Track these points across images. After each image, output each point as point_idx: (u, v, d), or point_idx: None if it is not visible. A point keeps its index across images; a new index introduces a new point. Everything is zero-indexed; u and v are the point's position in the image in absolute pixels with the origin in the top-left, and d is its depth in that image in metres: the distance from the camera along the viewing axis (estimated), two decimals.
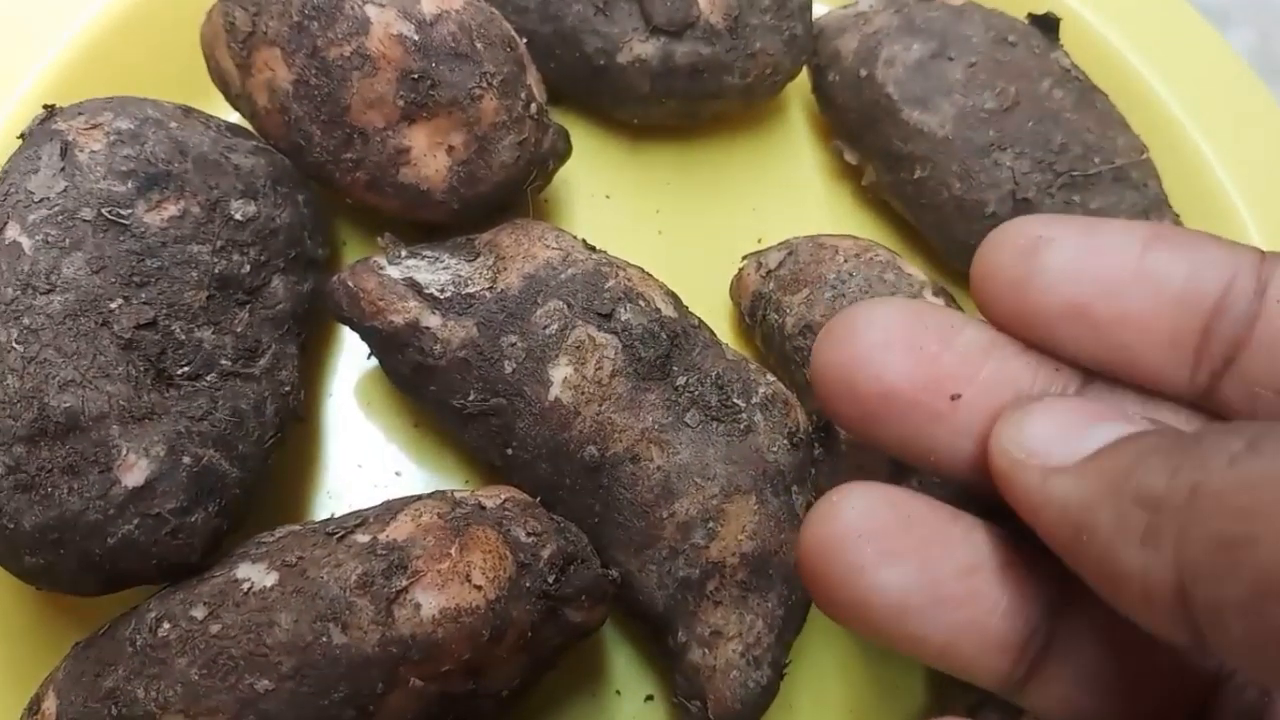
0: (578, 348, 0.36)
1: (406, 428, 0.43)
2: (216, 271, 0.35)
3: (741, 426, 0.36)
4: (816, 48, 0.48)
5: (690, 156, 0.50)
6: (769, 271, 0.43)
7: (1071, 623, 0.24)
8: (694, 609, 0.35)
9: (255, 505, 0.36)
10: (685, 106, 0.47)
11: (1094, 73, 0.46)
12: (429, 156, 0.39)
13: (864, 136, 0.47)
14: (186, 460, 0.32)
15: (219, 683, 0.29)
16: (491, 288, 0.37)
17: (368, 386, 0.44)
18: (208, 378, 0.34)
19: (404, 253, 0.39)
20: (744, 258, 0.45)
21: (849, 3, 0.49)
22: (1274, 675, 0.18)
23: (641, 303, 0.37)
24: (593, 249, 0.40)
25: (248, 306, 0.36)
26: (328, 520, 0.35)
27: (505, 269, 0.38)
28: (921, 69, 0.44)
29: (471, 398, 0.37)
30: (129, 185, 0.34)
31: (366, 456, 0.42)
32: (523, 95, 0.40)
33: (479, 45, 0.39)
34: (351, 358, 0.44)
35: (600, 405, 0.35)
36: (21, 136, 0.36)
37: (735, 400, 0.36)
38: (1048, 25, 0.46)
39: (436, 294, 0.37)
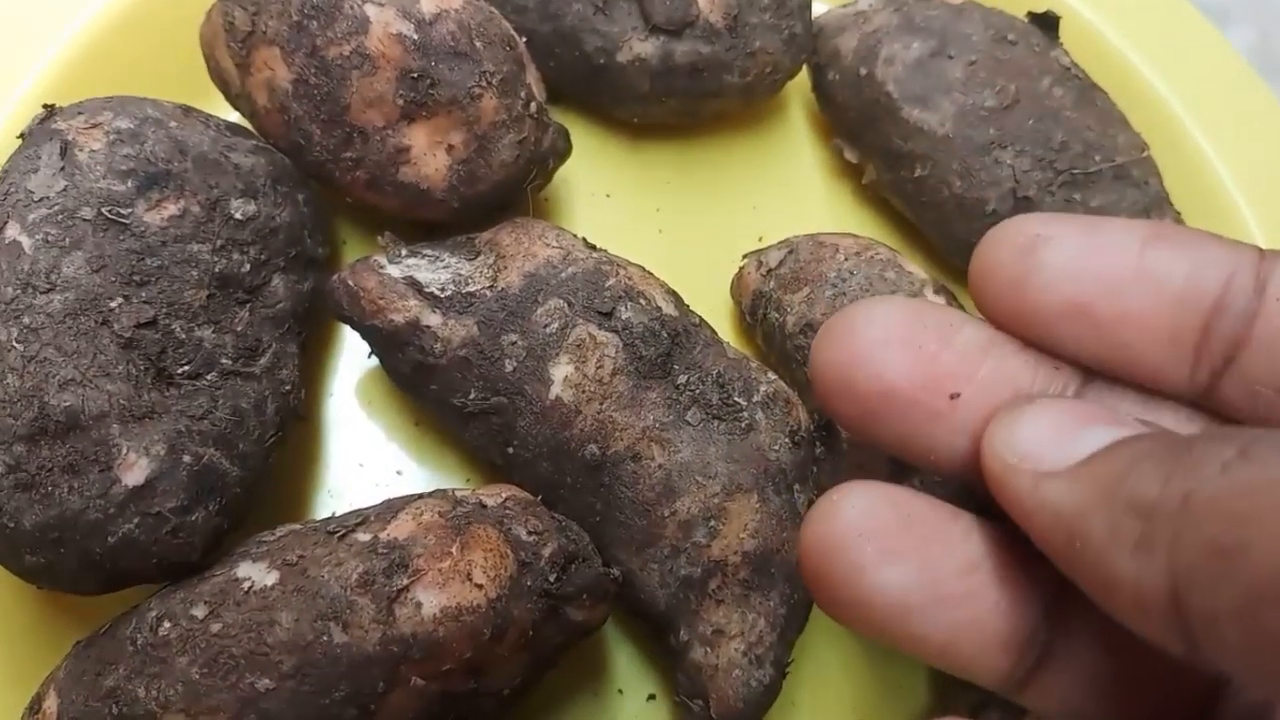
0: (578, 346, 0.36)
1: (407, 426, 0.43)
2: (217, 270, 0.35)
3: (743, 425, 0.36)
4: (816, 46, 0.48)
5: (690, 155, 0.50)
6: (770, 270, 0.43)
7: (1073, 622, 0.24)
8: (696, 608, 0.35)
9: (256, 504, 0.36)
10: (685, 105, 0.47)
11: (1094, 71, 0.46)
12: (429, 155, 0.39)
13: (864, 135, 0.47)
14: (187, 459, 0.32)
15: (220, 682, 0.29)
16: (492, 286, 0.37)
17: (368, 385, 0.44)
18: (208, 377, 0.34)
19: (404, 251, 0.39)
20: (744, 256, 0.45)
21: (848, 1, 0.49)
22: (1269, 682, 0.18)
23: (642, 301, 0.37)
24: (593, 248, 0.40)
25: (248, 305, 0.36)
26: (328, 519, 0.35)
27: (506, 268, 0.38)
28: (921, 67, 0.44)
29: (472, 396, 0.37)
30: (129, 184, 0.34)
31: (367, 455, 0.42)
32: (522, 94, 0.40)
33: (478, 44, 0.39)
34: (352, 357, 0.44)
35: (601, 404, 0.35)
36: (21, 136, 0.36)
37: (736, 399, 0.36)
38: (1047, 23, 0.46)
39: (437, 293, 0.37)
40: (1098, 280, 0.24)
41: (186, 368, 0.33)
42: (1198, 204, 0.46)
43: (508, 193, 0.41)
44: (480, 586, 0.31)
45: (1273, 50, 0.63)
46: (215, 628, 0.30)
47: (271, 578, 0.31)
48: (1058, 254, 0.24)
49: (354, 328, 0.39)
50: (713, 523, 0.35)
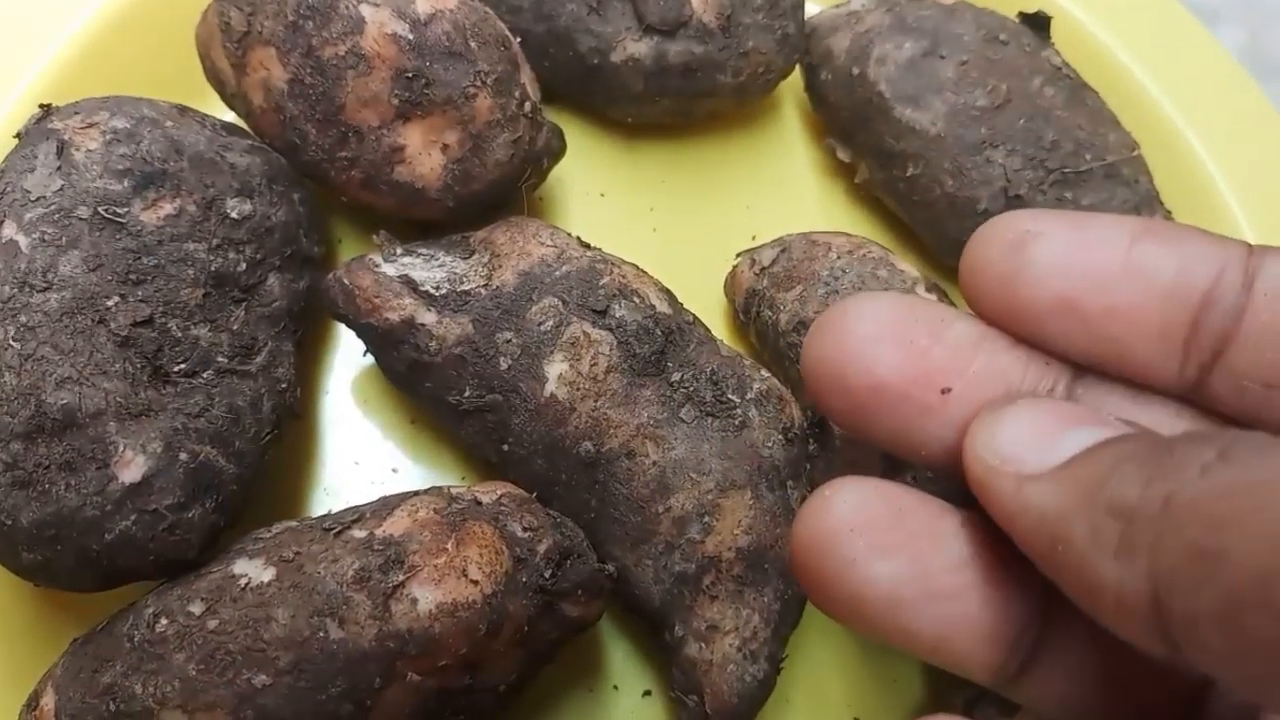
0: (573, 344, 0.36)
1: (403, 424, 0.43)
2: (212, 269, 0.35)
3: (736, 422, 0.36)
4: (809, 46, 0.48)
5: (684, 154, 0.50)
6: (763, 268, 0.43)
7: (1064, 617, 0.24)
8: (690, 603, 0.35)
9: (252, 501, 0.36)
10: (679, 105, 0.47)
11: (1085, 71, 0.46)
12: (424, 155, 0.39)
13: (856, 134, 0.47)
14: (183, 457, 0.32)
15: (217, 678, 0.29)
16: (487, 285, 0.37)
17: (364, 383, 0.44)
18: (204, 375, 0.34)
19: (399, 250, 0.39)
20: (738, 255, 0.45)
21: (841, 2, 0.49)
22: (1250, 686, 0.18)
23: (636, 299, 0.37)
24: (587, 246, 0.40)
25: (244, 304, 0.36)
26: (325, 516, 0.35)
27: (500, 266, 0.38)
28: (913, 67, 0.44)
29: (467, 394, 0.37)
30: (125, 184, 0.35)
31: (363, 453, 0.43)
32: (517, 94, 0.40)
33: (473, 44, 0.39)
34: (348, 355, 0.44)
35: (595, 401, 0.36)
36: (18, 136, 0.36)
37: (730, 396, 0.36)
38: (1038, 24, 0.46)
39: (432, 291, 0.38)
40: (1087, 276, 0.24)
41: (183, 366, 0.34)
42: (1188, 203, 0.46)
43: (502, 192, 0.41)
44: (476, 582, 0.31)
45: (1263, 50, 0.63)
46: (212, 624, 0.30)
47: (268, 574, 0.31)
48: (1047, 250, 0.24)
49: (349, 326, 0.39)
50: (707, 519, 0.35)
